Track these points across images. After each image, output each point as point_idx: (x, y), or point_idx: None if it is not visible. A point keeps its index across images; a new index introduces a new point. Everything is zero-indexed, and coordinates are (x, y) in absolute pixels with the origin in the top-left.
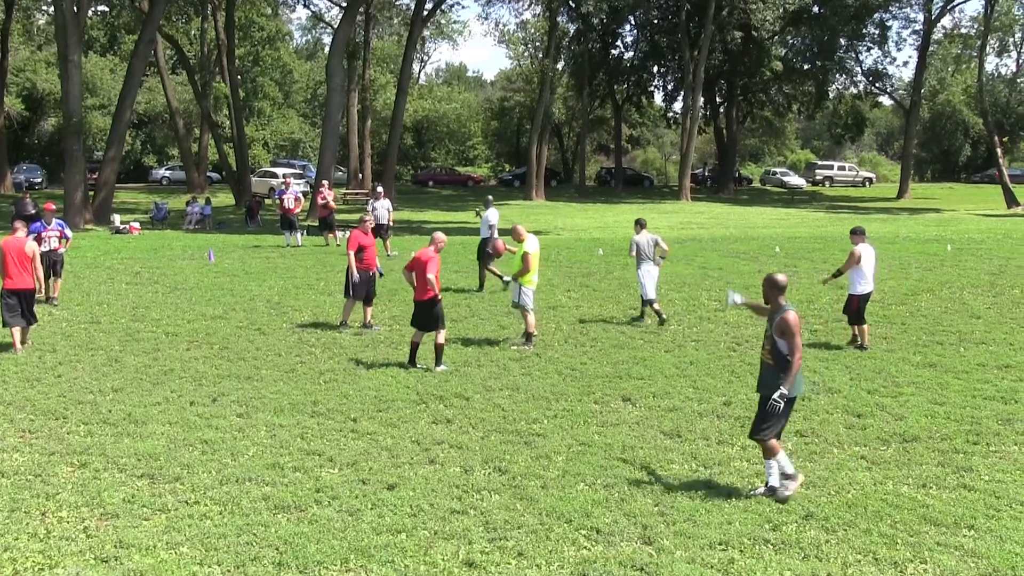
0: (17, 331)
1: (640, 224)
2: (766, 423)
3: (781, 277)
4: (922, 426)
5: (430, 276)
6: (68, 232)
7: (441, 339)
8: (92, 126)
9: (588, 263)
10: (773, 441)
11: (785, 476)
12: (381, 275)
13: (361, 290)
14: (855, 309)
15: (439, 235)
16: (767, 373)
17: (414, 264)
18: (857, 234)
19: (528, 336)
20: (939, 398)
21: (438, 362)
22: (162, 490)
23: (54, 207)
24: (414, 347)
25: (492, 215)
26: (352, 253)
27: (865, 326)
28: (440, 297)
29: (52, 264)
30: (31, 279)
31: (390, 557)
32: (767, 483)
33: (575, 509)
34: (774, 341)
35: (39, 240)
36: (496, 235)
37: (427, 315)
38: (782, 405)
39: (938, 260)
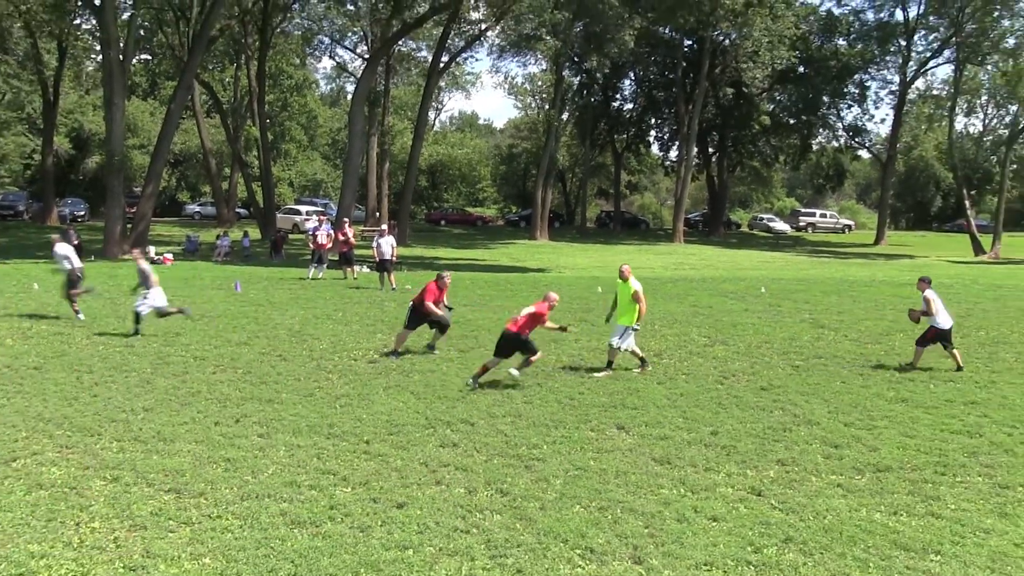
0: None
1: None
2: None
3: None
4: (894, 457)
5: (542, 326)
6: None
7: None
8: (132, 163)
9: (588, 299)
10: None
11: None
12: (451, 310)
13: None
14: (931, 338)
15: (553, 295)
16: None
17: (536, 319)
18: (924, 282)
19: (609, 364)
20: (910, 431)
21: (521, 367)
22: (187, 504)
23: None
24: (484, 370)
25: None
26: (428, 303)
27: (928, 349)
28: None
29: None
30: None
31: (398, 572)
32: None
33: (571, 529)
34: None
35: None
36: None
37: (515, 345)
38: None
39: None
